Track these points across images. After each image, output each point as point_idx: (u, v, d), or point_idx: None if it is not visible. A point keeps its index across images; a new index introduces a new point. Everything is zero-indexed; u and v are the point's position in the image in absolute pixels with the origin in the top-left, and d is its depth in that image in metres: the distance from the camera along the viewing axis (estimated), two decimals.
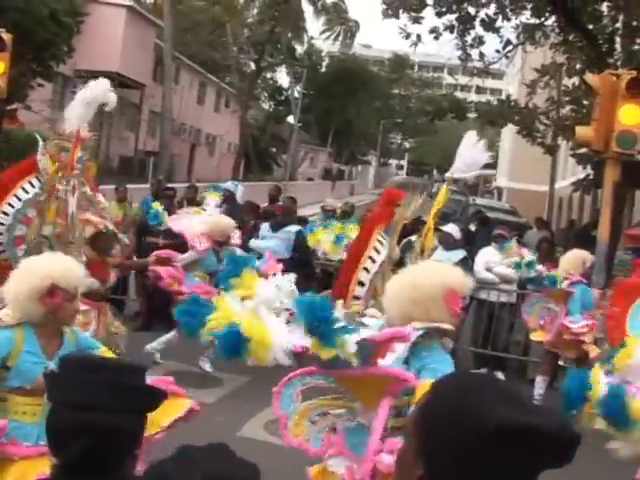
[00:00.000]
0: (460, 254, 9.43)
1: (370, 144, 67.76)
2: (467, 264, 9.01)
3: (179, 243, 9.10)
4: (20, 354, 3.66)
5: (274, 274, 3.95)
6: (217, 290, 5.46)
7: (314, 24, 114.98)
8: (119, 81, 29.79)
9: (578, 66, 17.31)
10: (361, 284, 5.50)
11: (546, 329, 8.22)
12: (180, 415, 3.86)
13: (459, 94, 26.13)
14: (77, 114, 6.50)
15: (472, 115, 20.92)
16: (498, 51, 18.38)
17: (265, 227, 9.94)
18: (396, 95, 65.68)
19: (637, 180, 10.50)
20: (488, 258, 9.95)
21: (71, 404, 2.03)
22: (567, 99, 18.60)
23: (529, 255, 9.88)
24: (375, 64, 67.59)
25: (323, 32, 58.93)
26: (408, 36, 17.80)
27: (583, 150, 13.98)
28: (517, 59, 22.06)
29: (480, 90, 44.13)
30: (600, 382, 4.12)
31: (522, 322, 10.08)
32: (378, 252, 5.57)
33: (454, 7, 17.08)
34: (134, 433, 2.09)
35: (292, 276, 3.78)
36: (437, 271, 3.70)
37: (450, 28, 17.48)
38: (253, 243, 9.77)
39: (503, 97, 20.84)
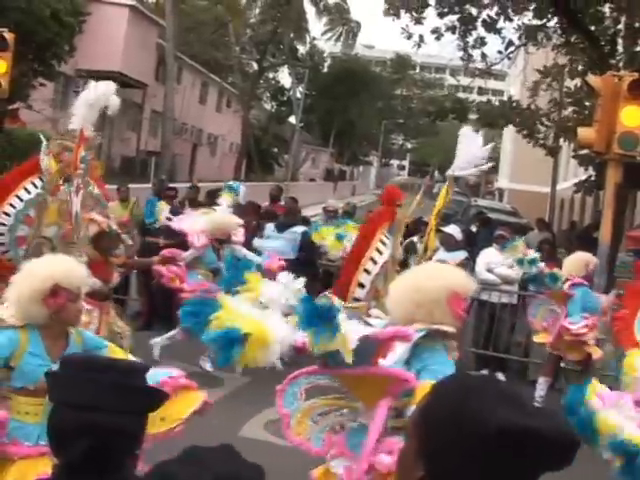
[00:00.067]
0: (461, 255, 9.44)
1: (372, 145, 67.75)
2: (468, 265, 9.02)
3: (179, 243, 9.13)
4: (24, 355, 3.66)
5: (280, 269, 3.94)
6: (219, 288, 5.49)
7: (316, 24, 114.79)
8: (121, 81, 29.75)
9: (580, 67, 17.31)
10: (361, 286, 5.49)
11: (549, 331, 8.23)
12: (196, 408, 3.88)
13: (461, 95, 26.09)
14: (80, 114, 6.51)
15: (473, 116, 20.90)
16: (500, 52, 18.40)
17: (270, 227, 9.93)
18: (398, 96, 65.67)
19: (639, 181, 10.50)
20: (489, 259, 9.95)
21: (74, 404, 2.03)
22: (569, 100, 18.61)
23: (534, 254, 9.88)
24: (377, 65, 67.57)
25: (325, 32, 58.95)
26: (410, 36, 17.81)
27: (585, 151, 13.97)
28: (519, 60, 22.06)
29: (482, 91, 44.10)
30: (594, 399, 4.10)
31: (523, 323, 10.09)
32: (380, 253, 5.55)
33: (456, 8, 17.08)
34: (136, 434, 2.10)
35: (301, 280, 3.77)
36: (440, 273, 3.68)
37: (452, 29, 17.48)
38: (258, 243, 9.76)
39: (505, 98, 20.85)
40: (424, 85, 65.64)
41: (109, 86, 6.55)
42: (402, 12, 17.18)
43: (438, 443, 1.40)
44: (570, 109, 18.59)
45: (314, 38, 54.49)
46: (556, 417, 1.40)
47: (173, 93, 31.16)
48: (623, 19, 15.47)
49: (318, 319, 3.17)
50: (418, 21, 17.22)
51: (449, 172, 6.30)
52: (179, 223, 9.35)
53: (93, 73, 25.23)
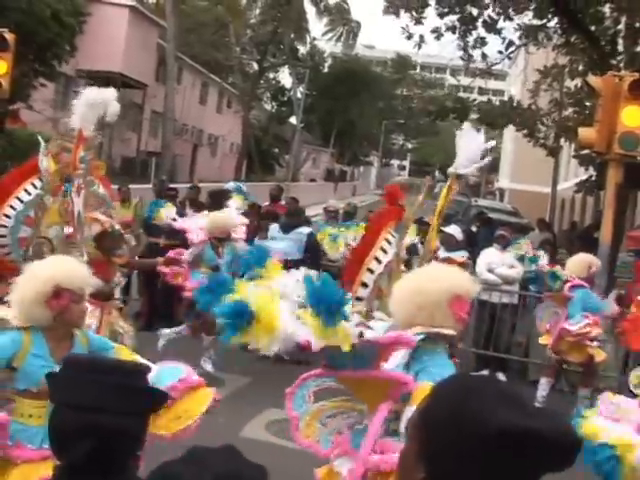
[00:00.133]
0: (462, 255, 9.44)
1: (372, 145, 67.73)
2: (469, 265, 9.02)
3: (180, 243, 9.16)
4: (27, 356, 3.65)
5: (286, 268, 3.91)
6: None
7: (317, 25, 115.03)
8: (121, 81, 29.83)
9: (581, 68, 17.29)
10: (364, 285, 5.48)
11: (551, 333, 8.24)
12: (207, 405, 3.90)
13: (462, 95, 26.07)
14: (80, 114, 6.51)
15: (474, 116, 20.90)
16: (501, 52, 18.39)
17: (275, 228, 9.93)
18: (398, 96, 65.69)
19: (639, 182, 10.50)
20: (490, 259, 9.95)
21: (77, 405, 2.03)
22: (570, 101, 18.60)
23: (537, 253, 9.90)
24: (378, 65, 67.57)
25: (326, 33, 58.94)
26: (410, 37, 17.80)
27: (585, 151, 13.97)
28: (520, 60, 22.06)
29: (482, 91, 44.11)
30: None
31: (524, 323, 10.10)
32: (385, 252, 5.53)
33: (456, 8, 17.07)
34: (138, 434, 2.10)
35: (315, 273, 3.73)
36: (443, 275, 3.65)
37: (452, 29, 17.46)
38: (264, 244, 9.77)
39: (505, 98, 20.85)
40: (425, 85, 65.62)
41: (110, 93, 6.55)
42: (402, 12, 17.18)
43: (438, 444, 1.40)
44: (570, 109, 18.57)
45: (314, 38, 54.55)
46: (557, 418, 1.39)
47: (173, 93, 31.16)
48: (623, 19, 15.46)
49: (329, 299, 3.12)
50: (418, 21, 17.21)
51: (451, 170, 6.27)
52: (180, 222, 9.50)
53: (94, 73, 25.36)
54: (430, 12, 17.19)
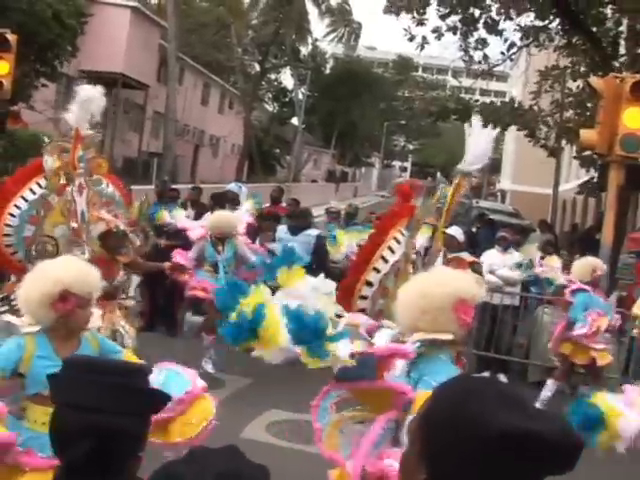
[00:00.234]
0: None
1: (374, 146, 67.76)
2: (480, 264, 9.04)
3: (182, 243, 9.19)
4: (32, 359, 3.60)
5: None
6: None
7: (318, 26, 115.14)
8: (123, 82, 29.87)
9: (582, 69, 17.29)
10: (369, 284, 5.46)
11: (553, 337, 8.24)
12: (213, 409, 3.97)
13: (463, 97, 26.06)
14: (74, 114, 6.53)
15: (476, 117, 20.89)
16: (503, 53, 18.39)
17: (282, 229, 9.95)
18: (400, 97, 65.74)
19: None
20: (491, 261, 9.94)
21: (76, 406, 2.03)
22: (569, 100, 18.61)
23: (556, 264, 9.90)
24: (379, 66, 67.61)
25: (327, 34, 59.00)
26: (412, 38, 17.81)
27: (587, 153, 13.97)
28: (521, 61, 22.03)
29: (484, 93, 44.14)
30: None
31: (525, 325, 10.10)
32: (392, 252, 5.50)
33: (458, 9, 17.08)
34: (138, 435, 2.09)
35: (333, 284, 3.75)
36: (449, 279, 3.60)
37: (453, 29, 17.47)
38: (272, 246, 9.79)
39: (507, 99, 20.85)
40: (426, 87, 65.66)
41: (96, 90, 6.55)
42: (403, 12, 17.19)
43: (439, 446, 1.39)
44: (572, 111, 18.57)
45: (316, 39, 54.65)
46: (558, 420, 1.39)
47: (175, 94, 31.17)
48: (625, 21, 15.46)
49: (307, 335, 3.18)
50: (420, 22, 17.22)
51: (459, 167, 6.25)
52: (181, 221, 9.65)
53: (95, 74, 25.30)
54: (432, 13, 17.22)
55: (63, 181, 6.57)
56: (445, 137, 68.00)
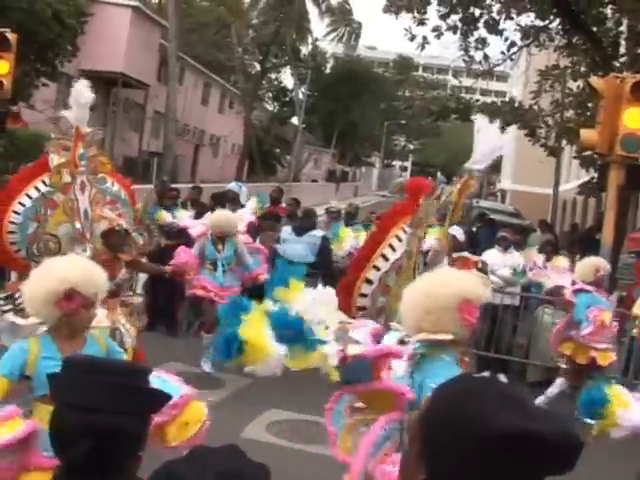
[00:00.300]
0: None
1: (374, 146, 67.74)
2: (485, 264, 9.04)
3: (183, 242, 9.20)
4: (37, 361, 3.60)
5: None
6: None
7: (319, 25, 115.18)
8: (123, 81, 29.87)
9: (583, 69, 17.29)
10: (369, 282, 5.45)
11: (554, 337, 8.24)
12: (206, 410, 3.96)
13: (463, 96, 26.04)
14: (72, 112, 6.55)
15: (476, 117, 20.94)
16: (503, 53, 18.40)
17: (287, 230, 9.96)
18: (400, 97, 65.75)
19: None
20: (492, 261, 9.93)
21: (76, 405, 2.03)
22: (570, 99, 18.60)
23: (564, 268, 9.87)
24: (380, 66, 67.60)
25: (328, 34, 59.00)
26: (413, 38, 17.81)
27: (587, 153, 13.97)
28: (522, 61, 22.03)
29: (484, 92, 44.13)
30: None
31: (525, 325, 10.09)
32: (394, 250, 5.48)
33: (458, 9, 17.09)
34: (138, 435, 2.09)
35: (332, 292, 3.76)
36: (454, 279, 3.61)
37: (453, 28, 17.47)
38: (278, 247, 9.79)
39: (507, 99, 20.86)
40: (427, 86, 65.66)
41: (83, 83, 6.58)
42: (403, 12, 17.19)
43: (439, 446, 1.39)
44: (572, 111, 18.57)
45: (316, 39, 54.61)
46: (559, 420, 1.38)
47: (175, 94, 31.15)
48: (625, 21, 15.46)
49: (290, 333, 3.19)
50: (421, 22, 17.22)
51: (467, 165, 6.22)
52: (182, 221, 9.69)
53: (96, 74, 25.31)
54: (432, 13, 17.23)
55: (66, 179, 6.58)
56: (445, 137, 68.04)
